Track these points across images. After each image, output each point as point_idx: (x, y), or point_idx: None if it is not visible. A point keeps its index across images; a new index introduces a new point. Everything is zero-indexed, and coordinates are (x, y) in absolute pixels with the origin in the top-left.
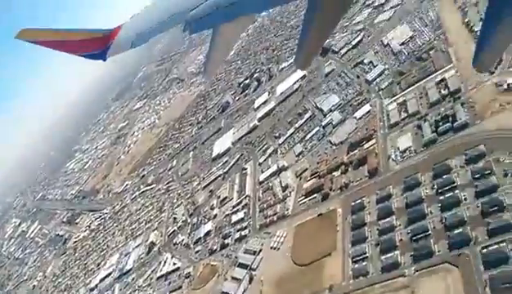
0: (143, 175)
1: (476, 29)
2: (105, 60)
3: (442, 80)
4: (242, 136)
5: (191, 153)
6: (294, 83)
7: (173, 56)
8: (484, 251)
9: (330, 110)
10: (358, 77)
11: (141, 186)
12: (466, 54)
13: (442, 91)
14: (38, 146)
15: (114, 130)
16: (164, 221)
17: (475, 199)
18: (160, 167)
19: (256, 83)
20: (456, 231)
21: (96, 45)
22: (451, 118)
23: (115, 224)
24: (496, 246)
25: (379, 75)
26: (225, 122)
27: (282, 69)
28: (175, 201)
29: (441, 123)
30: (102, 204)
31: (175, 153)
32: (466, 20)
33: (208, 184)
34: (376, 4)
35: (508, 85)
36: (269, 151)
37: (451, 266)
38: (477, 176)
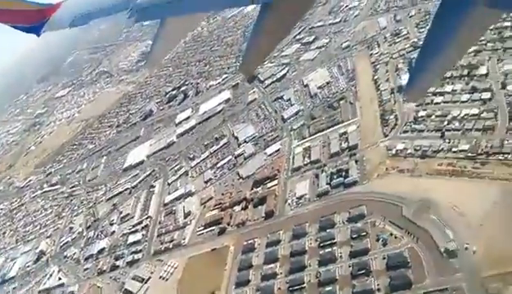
0: (49, 173)
1: (382, 88)
2: (38, 35)
3: (345, 133)
4: (158, 151)
5: (104, 158)
6: (218, 105)
7: (108, 47)
8: None
9: (245, 141)
10: (276, 112)
11: (45, 185)
12: (369, 110)
13: (343, 144)
14: None
15: (31, 115)
16: (60, 229)
17: (349, 259)
18: (69, 168)
19: (182, 96)
20: (327, 288)
21: (32, 18)
22: (344, 173)
23: (8, 224)
24: None
25: (295, 114)
26: (144, 131)
27: (210, 86)
28: (76, 208)
29: (335, 176)
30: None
31: (87, 155)
32: (376, 77)
33: (113, 197)
34: (305, 41)
35: (396, 150)
36: (180, 172)
37: None
38: (354, 236)
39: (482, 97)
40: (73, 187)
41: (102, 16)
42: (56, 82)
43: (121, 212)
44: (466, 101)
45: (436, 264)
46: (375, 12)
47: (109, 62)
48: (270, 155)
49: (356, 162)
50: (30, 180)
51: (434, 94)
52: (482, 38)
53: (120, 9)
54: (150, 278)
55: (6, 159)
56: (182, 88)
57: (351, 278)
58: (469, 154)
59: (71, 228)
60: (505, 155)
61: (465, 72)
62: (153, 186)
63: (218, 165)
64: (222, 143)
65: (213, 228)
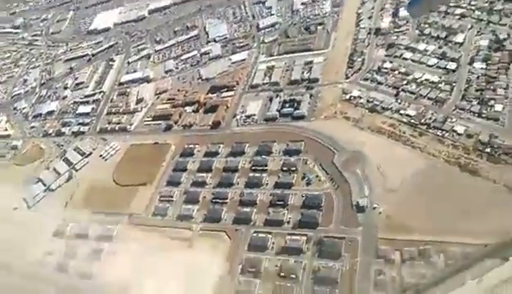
0: (14, 12)
1: (362, 25)
2: None
3: (310, 62)
4: (126, 22)
5: (71, 13)
6: None
7: None
8: (254, 235)
9: (214, 40)
10: (254, 17)
11: (7, 25)
12: (342, 45)
13: (305, 74)
14: None
15: None
16: (15, 78)
17: (273, 188)
18: (35, 13)
19: None
20: (245, 209)
21: None
22: (296, 104)
23: None
24: (262, 235)
25: (270, 26)
26: None
27: None
28: (33, 60)
29: (287, 105)
30: None
31: (56, 4)
32: (360, 11)
33: (72, 59)
34: None
35: (350, 96)
36: (143, 53)
37: (226, 237)
38: (284, 169)
39: (448, 67)
40: (35, 35)
41: None
42: None
43: (76, 78)
44: (432, 66)
45: (344, 214)
46: None
47: None
48: (234, 63)
49: (310, 96)
50: None
51: (407, 48)
52: (473, 3)
53: None
54: (91, 153)
55: None
56: None
57: (269, 205)
58: (413, 121)
59: (25, 80)
60: (443, 132)
61: (443, 34)
62: (113, 60)
63: (182, 57)
64: (191, 34)
65: (161, 122)
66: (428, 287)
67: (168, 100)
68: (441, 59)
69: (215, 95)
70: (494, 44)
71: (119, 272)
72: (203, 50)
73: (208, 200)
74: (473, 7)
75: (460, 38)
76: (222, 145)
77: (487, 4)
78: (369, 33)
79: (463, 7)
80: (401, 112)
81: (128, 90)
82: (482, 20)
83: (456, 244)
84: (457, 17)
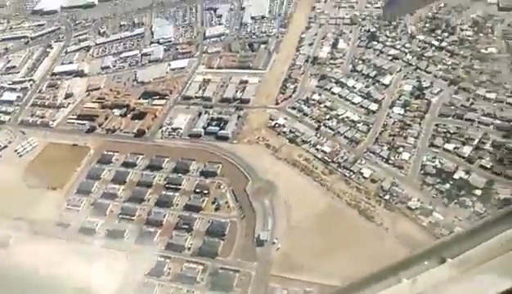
0: None
1: (302, 51)
2: None
3: (246, 82)
4: (74, 7)
5: None
6: None
7: None
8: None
9: (158, 41)
10: (202, 24)
11: None
12: (279, 69)
13: (238, 93)
14: None
15: None
16: None
17: (182, 209)
18: None
19: None
20: (150, 229)
21: None
22: (222, 124)
23: None
24: (161, 259)
25: (217, 36)
26: None
27: None
28: None
29: (214, 123)
30: None
31: None
32: (303, 36)
33: (9, 40)
34: None
35: (276, 123)
36: (83, 44)
37: (125, 257)
38: (197, 190)
39: (370, 107)
40: None
41: None
42: None
43: (9, 61)
44: (356, 104)
45: (244, 246)
46: None
47: None
48: (173, 69)
49: (238, 117)
50: None
51: (337, 82)
52: (407, 46)
53: None
54: (6, 147)
55: None
56: None
57: (174, 227)
58: (326, 158)
59: None
60: (351, 173)
61: (373, 73)
62: (51, 47)
63: (122, 55)
64: (137, 32)
65: (85, 122)
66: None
67: (98, 99)
68: (365, 98)
69: (147, 101)
70: (416, 91)
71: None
72: (145, 50)
73: (115, 214)
74: (406, 50)
75: (387, 80)
76: (141, 156)
77: (419, 49)
78: (306, 61)
79: (397, 49)
80: (318, 147)
81: (59, 82)
82: (411, 64)
83: None
84: (390, 58)
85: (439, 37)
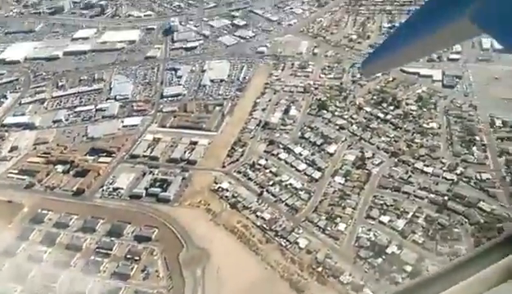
0: None
1: (254, 115)
2: None
3: (195, 143)
4: (38, 58)
5: None
6: (121, 41)
7: None
8: None
9: (115, 98)
10: (162, 83)
11: None
12: (230, 131)
13: (186, 154)
14: None
15: None
16: None
17: (108, 277)
18: None
19: (99, 10)
20: None
21: None
22: (165, 185)
23: None
24: None
25: (174, 96)
26: (42, 28)
27: (130, 15)
28: None
29: (157, 184)
30: None
31: None
32: (258, 100)
33: None
34: (235, 22)
35: (219, 187)
36: (39, 96)
37: None
38: (128, 256)
39: (313, 175)
40: None
41: None
42: None
43: None
44: (300, 171)
45: None
46: (305, 31)
47: None
48: (125, 126)
49: (183, 179)
50: None
51: (285, 148)
52: (354, 117)
53: None
54: None
55: None
56: (105, 2)
57: None
58: (264, 226)
59: None
60: (287, 243)
61: (320, 141)
62: (5, 97)
63: (77, 109)
64: (95, 87)
65: (25, 177)
66: None
67: (44, 153)
68: (310, 165)
69: (93, 158)
70: (358, 161)
71: None
72: (100, 106)
73: (36, 281)
74: (352, 121)
75: (331, 149)
76: (75, 217)
77: (365, 120)
78: (258, 125)
79: (344, 118)
80: (258, 214)
81: (7, 134)
82: (356, 135)
83: None
84: (337, 127)
85: (385, 110)
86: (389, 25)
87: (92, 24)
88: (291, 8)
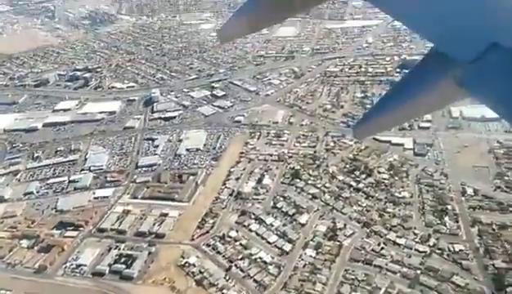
0: None
1: (228, 185)
2: None
3: (165, 215)
4: (17, 130)
5: None
6: (101, 112)
7: None
8: None
9: (89, 169)
10: (138, 153)
11: None
12: (202, 202)
13: (155, 227)
14: None
15: None
16: None
17: None
18: None
19: (82, 82)
20: None
21: None
22: (129, 262)
23: None
24: None
25: (148, 166)
26: (25, 100)
27: (113, 87)
28: None
29: (122, 260)
30: None
31: None
32: (232, 170)
33: None
34: (215, 92)
35: (186, 262)
36: (13, 169)
37: None
38: None
39: (284, 247)
40: None
41: None
42: None
43: None
44: (270, 243)
45: None
46: (282, 101)
47: (63, 1)
48: (96, 198)
49: (149, 254)
50: None
51: (256, 219)
52: (327, 185)
53: None
54: None
55: None
56: (90, 74)
57: None
58: None
59: None
60: None
61: (292, 211)
62: None
63: (50, 181)
64: (70, 158)
65: None
66: None
67: (10, 227)
68: (281, 237)
69: (59, 232)
70: (330, 232)
71: None
72: (73, 177)
73: None
74: (325, 189)
75: (303, 219)
76: None
77: (337, 189)
78: (230, 195)
79: (317, 187)
80: (225, 291)
81: None
82: (328, 204)
83: None
84: (309, 197)
85: (357, 179)
86: (362, 95)
87: (75, 95)
88: (269, 79)
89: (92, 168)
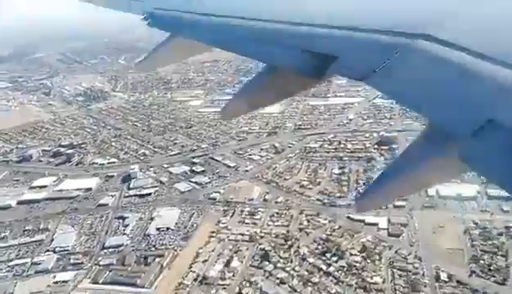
0: None
1: (194, 268)
2: None
3: None
4: None
5: None
6: (78, 189)
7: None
8: None
9: (54, 249)
10: (107, 232)
11: None
12: (164, 289)
13: None
14: None
15: None
16: None
17: None
18: None
19: (65, 158)
20: None
21: None
22: None
23: None
24: None
25: (115, 247)
26: (5, 176)
27: (94, 163)
28: None
29: None
30: None
31: None
32: (200, 251)
33: None
34: (194, 168)
35: None
36: None
37: None
38: None
39: None
40: None
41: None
42: (8, 69)
43: None
44: None
45: None
46: (260, 177)
47: (61, 79)
48: (56, 283)
49: None
50: None
51: None
52: (297, 269)
53: (135, 10)
54: None
55: None
56: (73, 150)
57: None
58: None
59: None
60: None
61: None
62: None
63: (11, 263)
64: (37, 238)
65: None
66: None
67: None
68: None
69: None
70: None
71: None
72: (35, 259)
73: None
74: (294, 273)
75: None
76: None
77: (307, 273)
78: (195, 280)
79: (286, 271)
80: None
81: None
82: (295, 290)
83: None
84: (277, 281)
85: (328, 261)
86: (339, 171)
87: (55, 171)
88: (250, 155)
89: (56, 249)
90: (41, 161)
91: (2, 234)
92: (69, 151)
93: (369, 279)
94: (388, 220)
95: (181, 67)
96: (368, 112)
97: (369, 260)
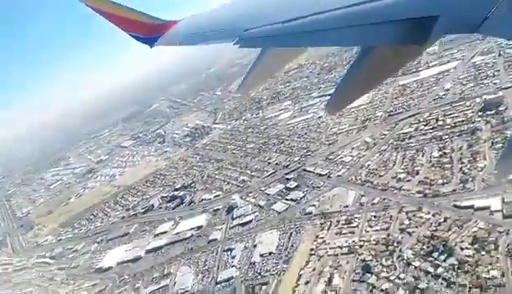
0: (60, 240)
1: (298, 290)
2: (151, 46)
3: None
4: (126, 261)
5: (94, 245)
6: (190, 229)
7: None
8: None
9: (177, 292)
10: (218, 268)
11: (47, 255)
12: None
13: None
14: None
15: (96, 158)
16: None
17: None
18: (69, 242)
19: (179, 201)
20: None
21: (149, 30)
22: None
23: None
24: None
25: (226, 281)
26: (135, 229)
27: (202, 200)
28: None
29: None
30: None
31: (89, 235)
32: (302, 272)
33: None
34: (288, 185)
35: None
36: None
37: None
38: None
39: None
40: (60, 269)
41: (208, 41)
42: (131, 127)
43: None
44: None
45: None
46: (353, 179)
47: (172, 125)
48: None
49: None
50: (47, 240)
51: None
52: (401, 276)
53: (227, 38)
54: None
55: (53, 202)
56: (185, 191)
57: None
58: None
59: None
60: None
61: None
62: None
63: None
64: (163, 283)
65: None
66: None
67: None
68: None
69: None
70: None
71: None
72: None
73: None
74: (399, 282)
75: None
76: None
77: (413, 280)
78: None
79: (390, 280)
80: None
81: None
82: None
83: None
84: None
85: (436, 262)
86: (440, 154)
87: (172, 215)
88: (341, 158)
89: (179, 292)
90: (161, 208)
91: (136, 285)
92: (182, 193)
93: (484, 275)
94: (502, 200)
95: (269, 82)
96: (467, 75)
97: (483, 252)
